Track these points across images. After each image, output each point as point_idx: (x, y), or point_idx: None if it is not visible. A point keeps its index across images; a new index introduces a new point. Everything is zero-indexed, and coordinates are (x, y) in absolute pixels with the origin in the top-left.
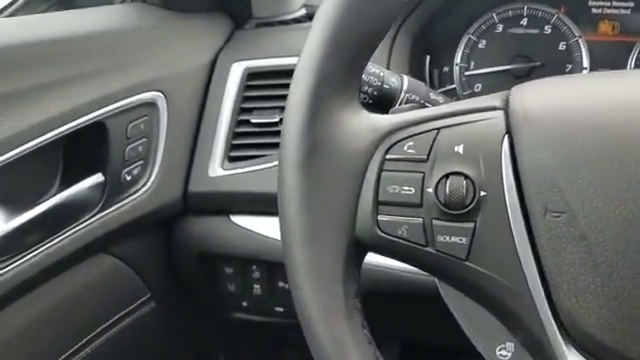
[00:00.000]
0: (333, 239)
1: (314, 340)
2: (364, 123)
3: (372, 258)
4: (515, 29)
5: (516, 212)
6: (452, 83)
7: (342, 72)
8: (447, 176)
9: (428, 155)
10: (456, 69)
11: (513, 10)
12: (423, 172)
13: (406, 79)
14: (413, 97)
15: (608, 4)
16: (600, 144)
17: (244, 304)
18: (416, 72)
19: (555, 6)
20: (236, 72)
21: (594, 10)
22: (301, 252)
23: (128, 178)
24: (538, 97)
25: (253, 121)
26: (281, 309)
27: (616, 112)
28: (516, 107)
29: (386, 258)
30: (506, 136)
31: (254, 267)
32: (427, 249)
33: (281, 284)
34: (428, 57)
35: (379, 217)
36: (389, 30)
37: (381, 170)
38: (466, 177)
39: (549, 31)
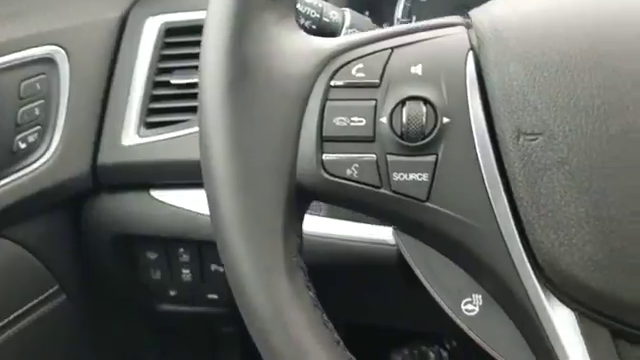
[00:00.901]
0: (269, 186)
1: (249, 306)
2: (304, 44)
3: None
4: None
5: (484, 139)
6: None
7: None
8: (403, 102)
9: (381, 79)
10: (397, 24)
11: None
12: (375, 99)
13: (348, 12)
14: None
15: None
16: (581, 50)
17: (172, 293)
18: None
19: None
20: (151, 28)
21: None
22: (230, 203)
23: (22, 146)
24: (504, 9)
25: (173, 82)
26: (215, 296)
27: (601, 15)
28: (480, 20)
29: (323, 225)
30: (470, 52)
31: (181, 249)
32: (381, 191)
33: (214, 267)
34: (367, 13)
35: (324, 156)
36: None
37: (326, 99)
38: (426, 102)
39: None
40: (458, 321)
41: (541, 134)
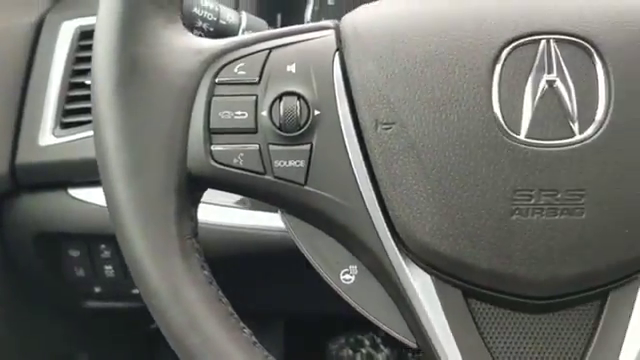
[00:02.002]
0: (162, 174)
1: (146, 285)
2: (190, 44)
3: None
4: None
5: (349, 128)
6: None
7: None
8: (280, 97)
9: (260, 76)
10: None
11: None
12: (256, 95)
13: (245, 15)
14: None
15: None
16: (425, 51)
17: (97, 290)
18: None
19: None
20: (66, 32)
21: None
22: (125, 189)
23: None
24: (366, 14)
25: (88, 83)
26: (138, 291)
27: (440, 20)
28: (346, 24)
29: (235, 216)
30: (337, 52)
31: (102, 246)
32: (265, 177)
33: None
34: (279, 16)
35: (212, 146)
36: None
37: (211, 95)
38: (299, 97)
39: None
40: (338, 289)
41: (394, 123)
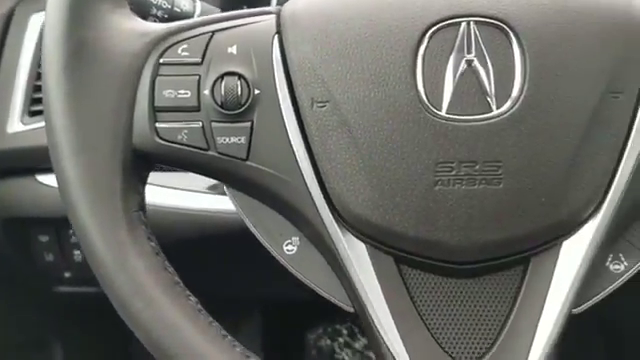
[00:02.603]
0: (108, 150)
1: (94, 256)
2: (136, 27)
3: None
4: None
5: (288, 106)
6: None
7: None
8: (222, 77)
9: (203, 57)
10: None
11: None
12: (199, 74)
13: (199, 3)
14: None
15: None
16: (356, 34)
17: (67, 275)
18: None
19: None
20: (36, 23)
21: None
22: (73, 166)
23: None
24: (306, 0)
25: None
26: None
27: (370, 5)
28: (286, 9)
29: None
30: (276, 35)
31: (71, 230)
32: (209, 153)
33: None
34: (245, 6)
35: (157, 124)
36: None
37: (156, 75)
38: (240, 77)
39: None
40: (281, 260)
41: (328, 101)
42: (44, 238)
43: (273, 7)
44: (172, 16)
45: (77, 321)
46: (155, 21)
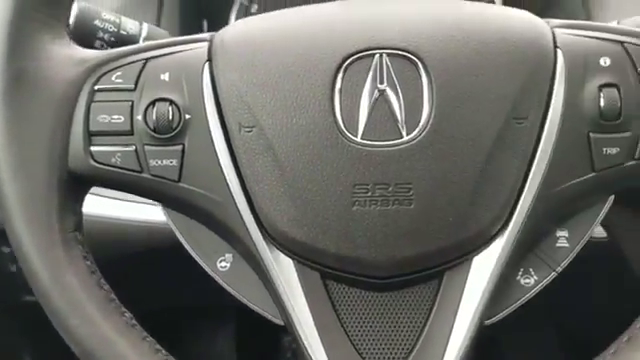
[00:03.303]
0: (45, 172)
1: (32, 274)
2: (73, 56)
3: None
4: None
5: (217, 131)
6: None
7: (42, 7)
8: (154, 103)
9: (136, 84)
10: None
11: None
12: (132, 100)
13: (145, 26)
14: None
15: None
16: (280, 63)
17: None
18: None
19: None
20: None
21: None
22: (12, 187)
23: None
24: (237, 28)
25: None
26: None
27: (293, 37)
28: (217, 37)
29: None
30: (207, 63)
31: None
32: (142, 175)
33: None
34: (206, 22)
35: (92, 147)
36: None
37: (91, 101)
38: (171, 102)
39: None
40: (215, 276)
41: (254, 127)
42: (6, 249)
43: (206, 34)
44: (118, 39)
45: (47, 331)
46: (102, 45)
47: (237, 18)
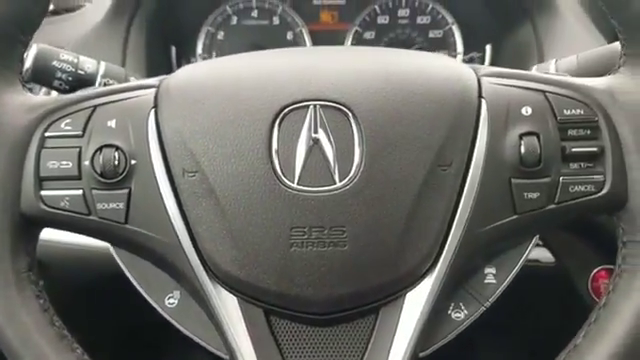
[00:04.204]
0: None
1: None
2: (25, 103)
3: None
4: (248, 20)
5: (162, 175)
6: None
7: None
8: (101, 149)
9: (84, 130)
10: (199, 60)
11: (243, 2)
12: (80, 147)
13: (103, 65)
14: (111, 82)
15: None
16: (220, 112)
17: None
18: (161, 62)
19: None
20: None
21: (315, 1)
22: None
23: None
24: (183, 75)
25: None
26: None
27: (233, 87)
28: (164, 84)
29: None
30: (153, 110)
31: None
32: (90, 217)
33: None
34: (174, 48)
35: (42, 192)
36: (43, 14)
37: (41, 147)
38: (117, 148)
39: (277, 22)
40: (163, 313)
41: (197, 172)
42: None
43: (155, 80)
44: (76, 78)
45: None
46: (60, 84)
47: (204, 44)
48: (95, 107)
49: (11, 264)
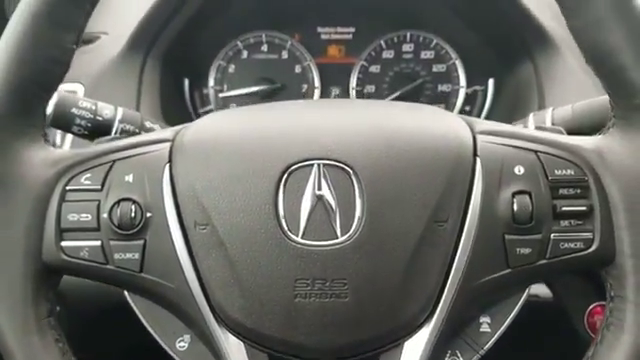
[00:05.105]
0: (21, 267)
1: (9, 357)
2: (47, 158)
3: None
4: (258, 54)
5: (175, 227)
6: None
7: (18, 117)
8: (118, 202)
9: (103, 185)
10: (211, 91)
11: (254, 37)
12: (99, 200)
13: (120, 110)
14: (128, 127)
15: (334, 30)
16: (230, 168)
17: None
18: (175, 94)
19: (290, 34)
20: None
21: (323, 36)
22: None
23: None
24: (195, 130)
25: None
26: None
27: (243, 145)
28: (178, 139)
29: None
30: (168, 164)
31: None
32: (107, 266)
33: None
34: (187, 80)
35: (62, 243)
36: (65, 74)
37: (62, 200)
38: (134, 202)
39: (286, 56)
40: (174, 355)
41: (208, 225)
42: None
43: (169, 132)
44: (95, 124)
45: None
46: (79, 130)
47: (216, 77)
48: (114, 162)
49: (33, 311)
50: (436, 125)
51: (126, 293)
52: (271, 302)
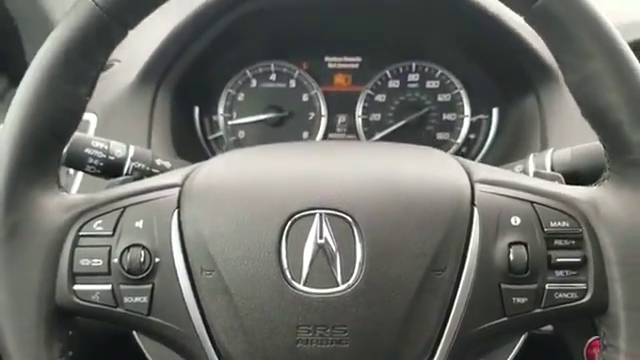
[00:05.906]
0: (35, 310)
1: None
2: (60, 204)
3: None
4: (266, 84)
5: (183, 272)
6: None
7: (33, 167)
8: (129, 248)
9: (114, 231)
10: (221, 119)
11: (263, 67)
12: (110, 245)
13: (132, 149)
14: (139, 165)
15: (341, 60)
16: (237, 215)
17: None
18: (186, 121)
19: (297, 63)
20: None
21: (330, 65)
22: (8, 325)
23: None
24: (204, 175)
25: None
26: None
27: (248, 195)
28: (187, 184)
29: None
30: (176, 211)
31: None
32: (117, 309)
33: None
34: (197, 108)
35: (75, 286)
36: (78, 123)
37: (75, 246)
38: (143, 247)
39: (294, 85)
40: None
41: (213, 271)
42: None
43: (178, 177)
44: (107, 164)
45: None
46: (92, 169)
47: (225, 105)
48: (125, 208)
49: (46, 352)
50: (436, 174)
51: (134, 333)
52: (274, 347)
